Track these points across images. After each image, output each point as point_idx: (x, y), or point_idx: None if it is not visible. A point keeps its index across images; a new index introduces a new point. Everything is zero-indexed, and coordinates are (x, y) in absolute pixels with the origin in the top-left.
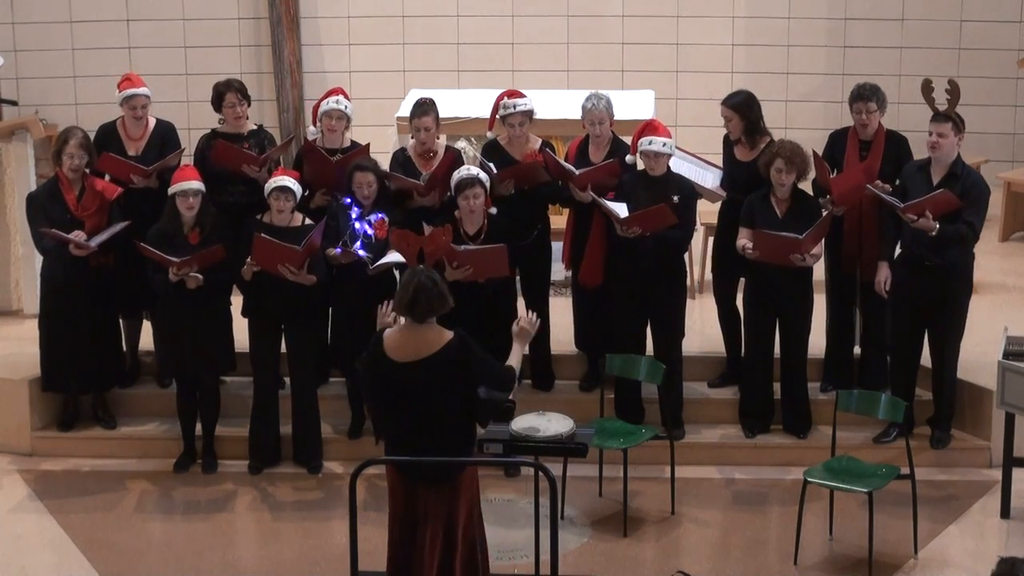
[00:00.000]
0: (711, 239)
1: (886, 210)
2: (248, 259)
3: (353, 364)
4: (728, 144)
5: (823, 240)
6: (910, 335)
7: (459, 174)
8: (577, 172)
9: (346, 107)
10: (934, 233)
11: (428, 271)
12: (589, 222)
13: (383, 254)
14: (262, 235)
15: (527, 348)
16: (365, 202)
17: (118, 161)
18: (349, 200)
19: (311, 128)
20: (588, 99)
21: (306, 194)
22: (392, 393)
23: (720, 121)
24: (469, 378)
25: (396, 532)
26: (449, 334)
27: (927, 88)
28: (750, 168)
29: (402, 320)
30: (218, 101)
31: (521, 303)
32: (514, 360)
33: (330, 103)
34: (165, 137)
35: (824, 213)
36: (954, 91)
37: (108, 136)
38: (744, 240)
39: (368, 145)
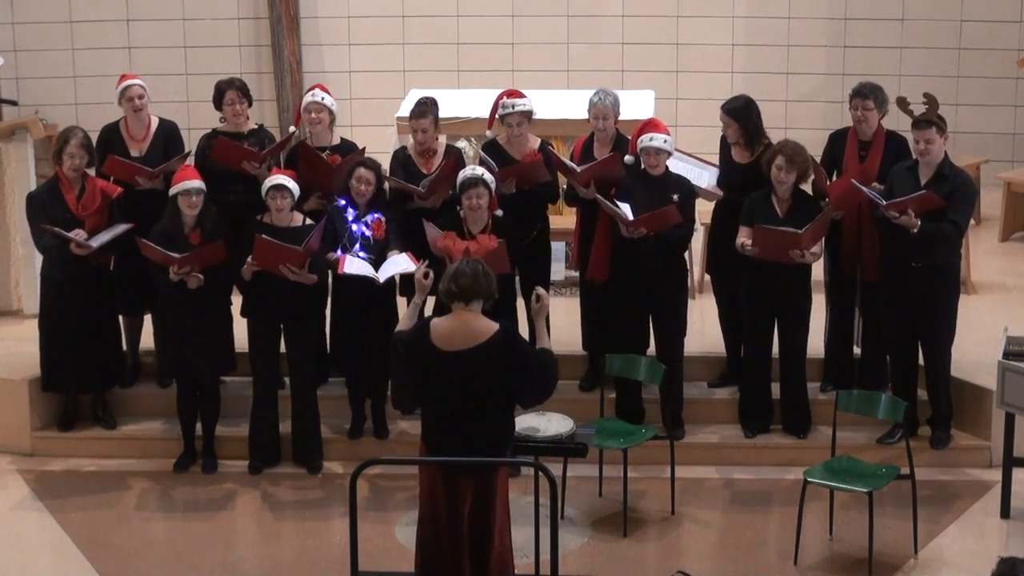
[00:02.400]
0: None
1: (875, 214)
2: (248, 259)
3: (352, 367)
4: (725, 145)
5: (823, 239)
6: (903, 336)
7: (463, 174)
8: (579, 169)
9: (323, 99)
10: (915, 230)
11: (476, 260)
12: (596, 220)
13: (382, 255)
14: (263, 236)
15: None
16: (359, 199)
17: (123, 164)
18: (344, 202)
19: (294, 131)
20: (596, 94)
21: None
22: (437, 382)
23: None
24: (512, 370)
25: (431, 528)
26: (495, 325)
27: (903, 104)
28: (747, 170)
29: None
30: (219, 98)
31: (521, 302)
32: (545, 341)
33: (307, 98)
34: (168, 137)
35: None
36: (931, 102)
37: (111, 136)
38: (743, 238)
39: (364, 149)
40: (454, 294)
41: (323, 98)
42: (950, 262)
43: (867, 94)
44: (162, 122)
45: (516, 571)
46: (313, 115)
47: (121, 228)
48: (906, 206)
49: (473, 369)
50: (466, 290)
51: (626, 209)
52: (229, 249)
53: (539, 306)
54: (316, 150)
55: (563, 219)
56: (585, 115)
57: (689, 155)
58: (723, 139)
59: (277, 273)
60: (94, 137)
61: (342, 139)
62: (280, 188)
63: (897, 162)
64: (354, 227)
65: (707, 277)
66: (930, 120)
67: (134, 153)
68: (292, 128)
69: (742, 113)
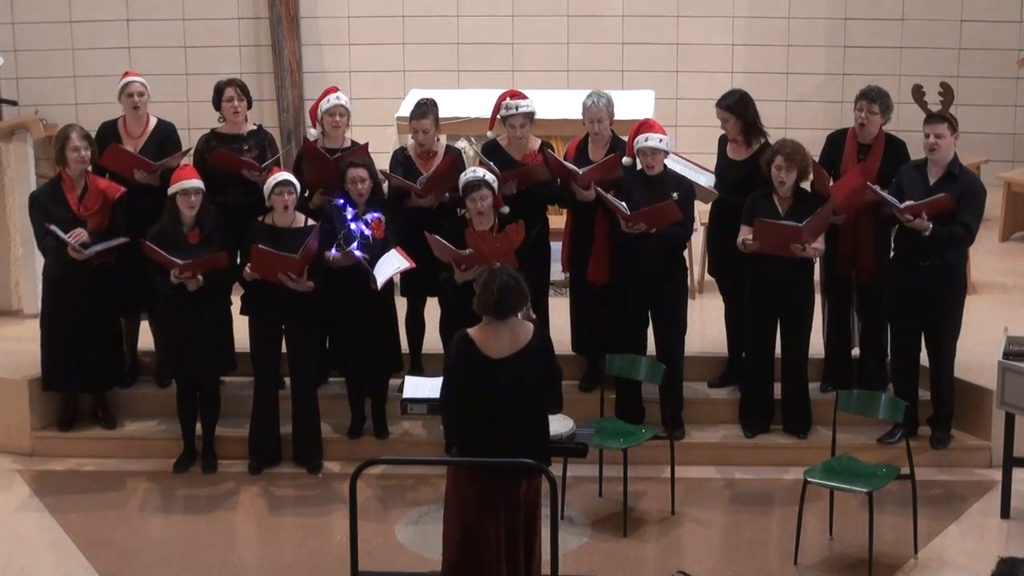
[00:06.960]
0: None
1: (881, 215)
2: (247, 268)
3: (351, 366)
4: (722, 143)
5: (823, 236)
6: (907, 336)
7: (465, 176)
8: (580, 171)
9: (346, 102)
10: (927, 233)
11: (508, 269)
12: (588, 223)
13: (381, 255)
14: (260, 246)
15: None
16: (359, 199)
17: (123, 154)
18: (342, 201)
19: (311, 131)
20: (589, 96)
21: (305, 195)
22: (485, 390)
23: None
24: (546, 371)
25: (465, 531)
26: (530, 325)
27: (918, 92)
28: (743, 168)
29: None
30: (218, 97)
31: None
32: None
33: (331, 100)
34: (166, 137)
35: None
36: (947, 93)
37: (108, 134)
38: (744, 235)
39: (367, 144)
40: (495, 314)
41: (346, 101)
42: (957, 262)
43: (874, 98)
44: (160, 122)
45: None
46: (337, 118)
47: (117, 241)
48: (921, 209)
49: (523, 371)
50: (505, 313)
51: (623, 208)
52: (230, 253)
53: None
54: (323, 151)
55: (563, 219)
56: None
57: (685, 159)
58: (721, 139)
59: (275, 281)
60: (94, 135)
61: (352, 141)
62: (286, 184)
63: (896, 165)
64: (352, 226)
65: (708, 277)
66: (943, 116)
67: (130, 150)
68: (311, 129)
69: (739, 107)
